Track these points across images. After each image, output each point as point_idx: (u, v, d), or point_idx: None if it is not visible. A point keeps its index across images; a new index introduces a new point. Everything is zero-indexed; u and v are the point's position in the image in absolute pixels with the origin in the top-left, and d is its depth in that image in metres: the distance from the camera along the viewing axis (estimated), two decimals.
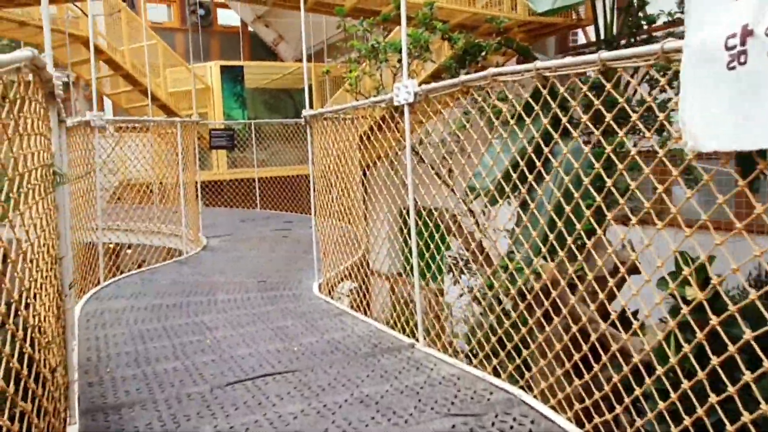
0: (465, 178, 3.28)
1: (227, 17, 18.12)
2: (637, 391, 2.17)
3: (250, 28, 18.03)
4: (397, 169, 4.18)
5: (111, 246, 8.74)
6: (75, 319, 4.28)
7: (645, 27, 5.24)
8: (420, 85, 3.23)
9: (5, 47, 13.38)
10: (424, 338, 3.47)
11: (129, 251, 8.41)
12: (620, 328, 2.65)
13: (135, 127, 6.99)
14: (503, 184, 2.96)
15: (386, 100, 3.49)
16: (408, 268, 3.76)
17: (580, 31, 9.80)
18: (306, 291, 5.01)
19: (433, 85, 3.14)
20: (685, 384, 1.97)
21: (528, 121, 2.68)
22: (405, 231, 3.69)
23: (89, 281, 5.29)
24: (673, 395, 2.03)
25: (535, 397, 2.65)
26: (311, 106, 13.32)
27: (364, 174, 7.82)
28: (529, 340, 2.84)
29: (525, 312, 2.89)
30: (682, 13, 3.48)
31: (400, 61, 5.59)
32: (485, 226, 4.77)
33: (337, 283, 5.35)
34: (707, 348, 1.87)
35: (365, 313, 4.34)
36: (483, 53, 6.23)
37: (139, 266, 7.39)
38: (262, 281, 5.30)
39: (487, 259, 4.53)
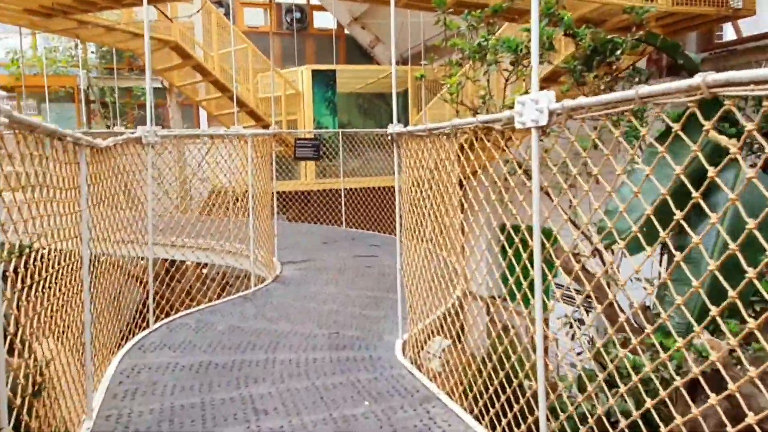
0: (588, 208, 2.15)
1: (323, 20, 17.58)
2: None
3: (346, 31, 17.37)
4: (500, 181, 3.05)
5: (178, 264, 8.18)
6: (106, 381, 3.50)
7: None
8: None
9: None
10: None
11: (205, 270, 7.78)
12: None
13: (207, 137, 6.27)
14: (653, 224, 1.79)
15: (502, 120, 2.39)
16: (507, 291, 2.69)
17: (725, 25, 8.15)
18: (387, 353, 3.99)
19: (581, 101, 2.00)
20: None
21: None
22: (509, 250, 2.65)
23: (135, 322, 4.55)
24: None
25: None
26: (405, 114, 12.37)
27: (460, 185, 6.82)
28: None
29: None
30: None
31: (513, 63, 4.44)
32: (614, 274, 3.53)
33: (428, 337, 4.28)
34: None
35: (462, 399, 3.24)
36: (618, 51, 4.95)
37: (222, 289, 6.70)
38: (334, 333, 4.34)
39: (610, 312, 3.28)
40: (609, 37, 5.08)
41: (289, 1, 17.21)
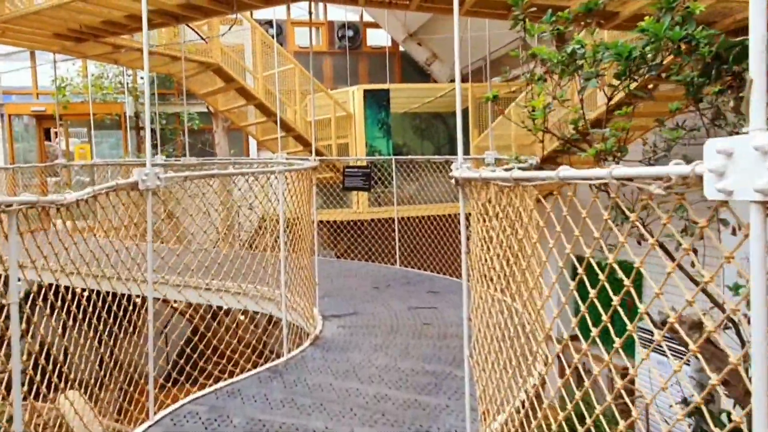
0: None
1: (377, 37, 16.79)
2: None
3: (401, 48, 16.51)
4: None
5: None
6: None
7: None
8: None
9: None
10: None
11: (242, 317, 6.90)
12: None
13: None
14: None
15: (671, 177, 1.30)
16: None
17: None
18: None
19: None
20: None
21: None
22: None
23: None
24: None
25: None
26: (465, 135, 11.20)
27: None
28: None
29: None
30: None
31: (619, 76, 3.32)
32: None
33: None
34: None
35: None
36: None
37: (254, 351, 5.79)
38: None
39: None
40: (737, 39, 3.90)
41: (341, 20, 16.52)
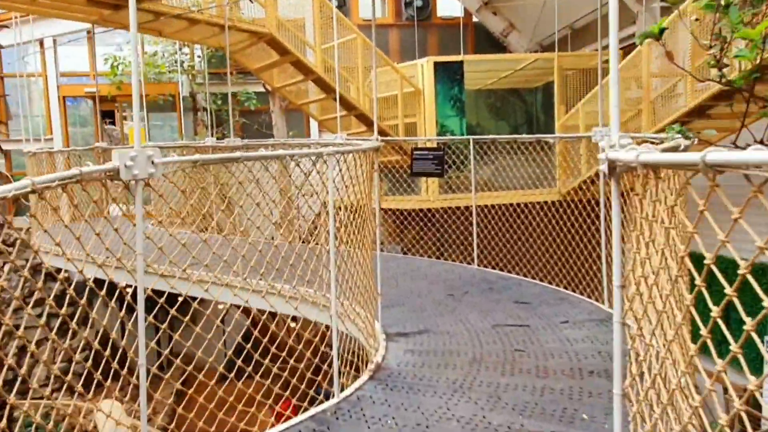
0: None
1: (448, 7, 15.40)
2: None
3: (474, 19, 15.08)
4: None
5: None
6: None
7: None
8: None
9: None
10: None
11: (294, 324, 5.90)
12: None
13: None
14: None
15: None
16: None
17: None
18: None
19: None
20: None
21: None
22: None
23: None
24: None
25: None
26: (547, 113, 9.85)
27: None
28: None
29: None
30: None
31: None
32: None
33: None
34: None
35: None
36: None
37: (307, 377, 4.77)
38: None
39: None
40: None
41: None
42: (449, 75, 10.20)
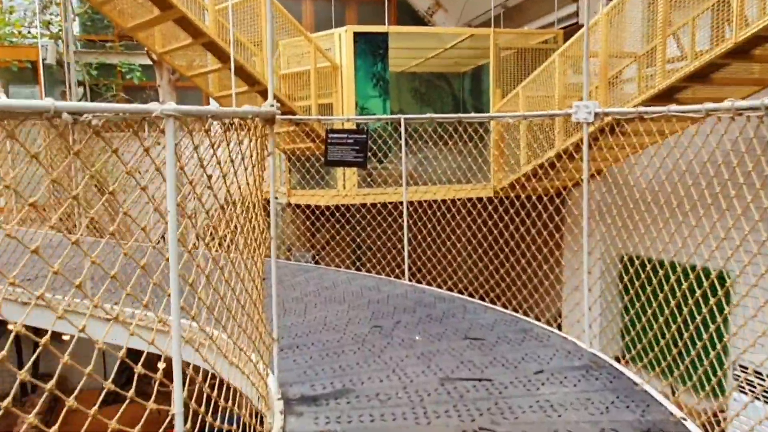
0: None
1: None
2: None
3: None
4: None
5: None
6: None
7: None
8: None
9: None
10: None
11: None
12: None
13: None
14: None
15: None
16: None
17: None
18: None
19: None
20: None
21: None
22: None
23: None
24: None
25: None
26: (479, 98, 8.65)
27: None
28: None
29: None
30: None
31: None
32: None
33: None
34: None
35: None
36: None
37: None
38: None
39: None
40: None
41: None
42: (371, 48, 8.75)
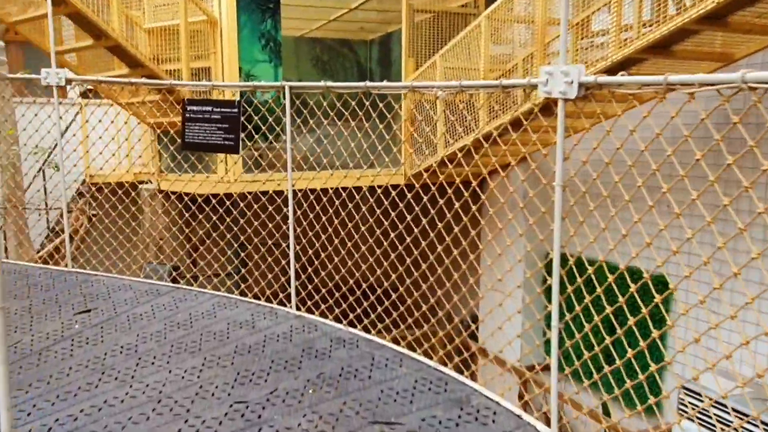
0: None
1: None
2: None
3: None
4: None
5: None
6: None
7: None
8: None
9: None
10: None
11: None
12: None
13: None
14: None
15: None
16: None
17: None
18: None
19: None
20: None
21: None
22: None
23: None
24: None
25: None
26: (388, 68, 7.38)
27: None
28: None
29: None
30: None
31: None
32: None
33: None
34: None
35: None
36: None
37: None
38: None
39: None
40: None
41: None
42: (259, 2, 7.14)
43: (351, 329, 3.59)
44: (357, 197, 4.09)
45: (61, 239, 8.20)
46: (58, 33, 6.69)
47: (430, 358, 3.28)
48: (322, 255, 4.15)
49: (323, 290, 4.32)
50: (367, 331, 3.68)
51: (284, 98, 3.74)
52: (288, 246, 3.94)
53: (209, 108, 4.02)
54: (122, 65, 6.72)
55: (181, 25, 6.68)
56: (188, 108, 4.06)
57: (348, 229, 4.55)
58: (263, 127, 4.15)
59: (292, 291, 3.93)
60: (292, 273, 3.94)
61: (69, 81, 4.35)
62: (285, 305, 3.97)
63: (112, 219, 5.53)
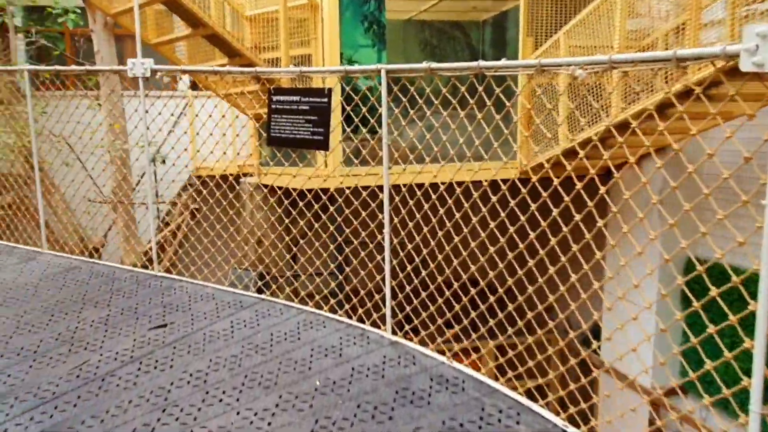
0: None
1: None
2: None
3: None
4: None
5: None
6: None
7: None
8: None
9: None
10: None
11: None
12: None
13: None
14: None
15: None
16: None
17: None
18: None
19: None
20: None
21: None
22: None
23: None
24: None
25: None
26: (502, 49, 6.80)
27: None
28: None
29: None
30: None
31: None
32: None
33: None
34: None
35: None
36: None
37: None
38: None
39: None
40: None
41: None
42: None
43: (456, 364, 2.96)
44: (475, 194, 3.41)
45: (164, 233, 8.22)
46: (162, 26, 6.55)
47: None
48: (422, 273, 3.52)
49: (422, 292, 3.69)
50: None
51: (380, 84, 3.16)
52: (383, 258, 3.36)
53: (297, 98, 3.52)
54: (222, 55, 6.47)
55: (280, 11, 6.29)
56: (274, 98, 3.59)
57: (460, 231, 3.87)
58: (367, 117, 3.60)
59: (387, 312, 3.36)
60: (387, 291, 3.37)
61: (154, 72, 4.03)
62: (379, 326, 3.41)
63: (215, 214, 5.24)
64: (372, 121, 3.57)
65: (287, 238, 6.23)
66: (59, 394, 2.64)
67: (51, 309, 3.62)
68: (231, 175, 5.80)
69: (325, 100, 3.40)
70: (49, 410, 2.52)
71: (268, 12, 6.67)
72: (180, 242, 7.51)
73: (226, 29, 6.04)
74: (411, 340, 3.29)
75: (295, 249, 6.20)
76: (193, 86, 10.01)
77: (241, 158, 8.58)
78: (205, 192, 5.14)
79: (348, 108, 3.62)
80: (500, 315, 3.14)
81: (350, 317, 3.66)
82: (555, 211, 2.78)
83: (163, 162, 7.84)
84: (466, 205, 3.34)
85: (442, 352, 3.13)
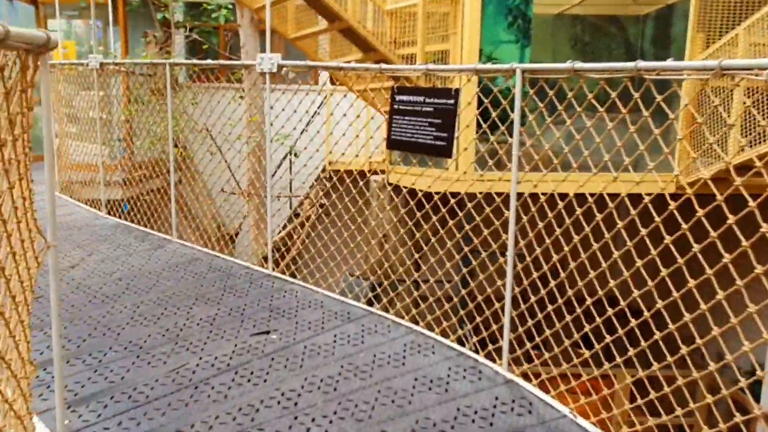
0: None
1: None
2: None
3: None
4: None
5: None
6: None
7: None
8: None
9: None
10: None
11: None
12: None
13: None
14: None
15: None
16: None
17: None
18: None
19: None
20: None
21: None
22: None
23: None
24: None
25: None
26: (665, 48, 6.04)
27: None
28: None
29: None
30: None
31: None
32: None
33: None
34: None
35: None
36: None
37: None
38: None
39: None
40: None
41: None
42: None
43: (580, 420, 2.49)
44: (633, 211, 2.89)
45: (293, 225, 8.34)
46: (301, 21, 6.56)
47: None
48: (551, 304, 3.04)
49: (546, 328, 3.21)
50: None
51: (514, 85, 2.75)
52: (504, 285, 2.95)
53: (421, 98, 3.20)
54: (358, 51, 6.34)
55: (418, 4, 6.02)
56: (397, 97, 3.30)
57: (604, 249, 3.32)
58: (503, 118, 3.20)
59: (505, 344, 2.95)
60: (506, 321, 2.96)
61: (281, 67, 3.92)
62: (494, 359, 3.01)
63: (336, 210, 5.10)
64: (508, 122, 3.16)
65: (410, 243, 5.96)
66: (152, 399, 2.57)
67: (165, 302, 3.63)
68: (359, 171, 5.63)
69: (452, 101, 3.05)
70: (137, 416, 2.44)
71: (408, 5, 6.43)
72: (303, 239, 7.57)
73: (363, 24, 5.89)
74: (529, 380, 2.86)
75: (416, 255, 5.92)
76: (332, 81, 10.07)
77: (375, 154, 8.48)
78: (329, 186, 5.01)
79: (477, 111, 3.24)
80: (643, 343, 2.59)
81: (463, 344, 3.29)
82: (738, 232, 2.21)
83: (296, 156, 7.93)
84: (620, 224, 2.76)
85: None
